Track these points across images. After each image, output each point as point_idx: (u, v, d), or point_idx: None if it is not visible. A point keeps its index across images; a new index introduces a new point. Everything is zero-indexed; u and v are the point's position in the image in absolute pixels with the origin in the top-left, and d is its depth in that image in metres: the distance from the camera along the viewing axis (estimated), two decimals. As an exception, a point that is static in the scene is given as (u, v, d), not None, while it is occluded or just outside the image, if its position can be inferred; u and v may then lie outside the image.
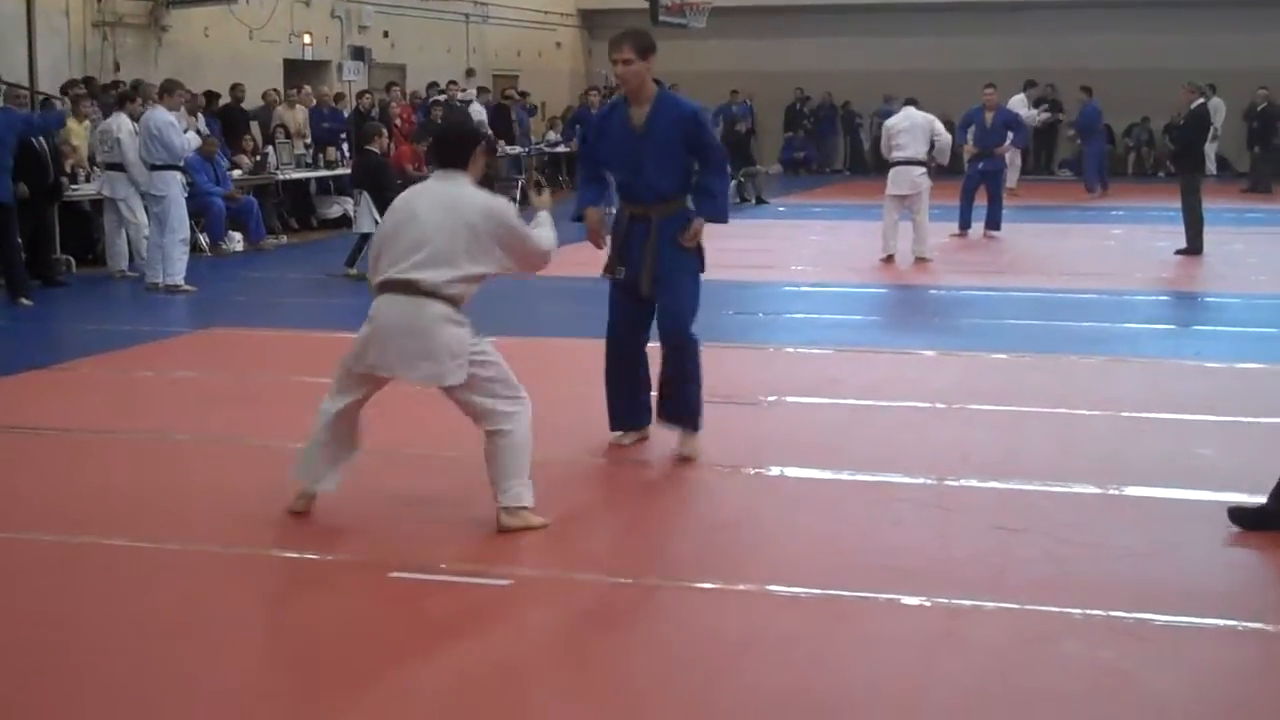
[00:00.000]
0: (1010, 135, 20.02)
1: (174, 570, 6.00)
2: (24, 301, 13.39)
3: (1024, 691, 4.77)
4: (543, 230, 6.62)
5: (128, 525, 6.54)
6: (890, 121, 16.91)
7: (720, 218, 7.62)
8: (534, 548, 6.21)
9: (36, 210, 14.66)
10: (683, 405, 7.67)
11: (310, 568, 6.04)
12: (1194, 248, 16.88)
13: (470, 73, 28.37)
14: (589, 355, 9.90)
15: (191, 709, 4.64)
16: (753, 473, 7.43)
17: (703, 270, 7.67)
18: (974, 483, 7.18)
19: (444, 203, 6.36)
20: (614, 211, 7.82)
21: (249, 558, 6.13)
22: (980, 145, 19.27)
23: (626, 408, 7.89)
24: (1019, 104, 24.74)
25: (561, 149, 26.88)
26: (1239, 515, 6.46)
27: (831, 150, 34.75)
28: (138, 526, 6.51)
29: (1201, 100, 17.93)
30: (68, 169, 15.92)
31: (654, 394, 7.82)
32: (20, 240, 14.00)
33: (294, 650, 5.22)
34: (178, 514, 6.71)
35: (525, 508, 6.40)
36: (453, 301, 6.28)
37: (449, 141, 6.61)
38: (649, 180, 7.47)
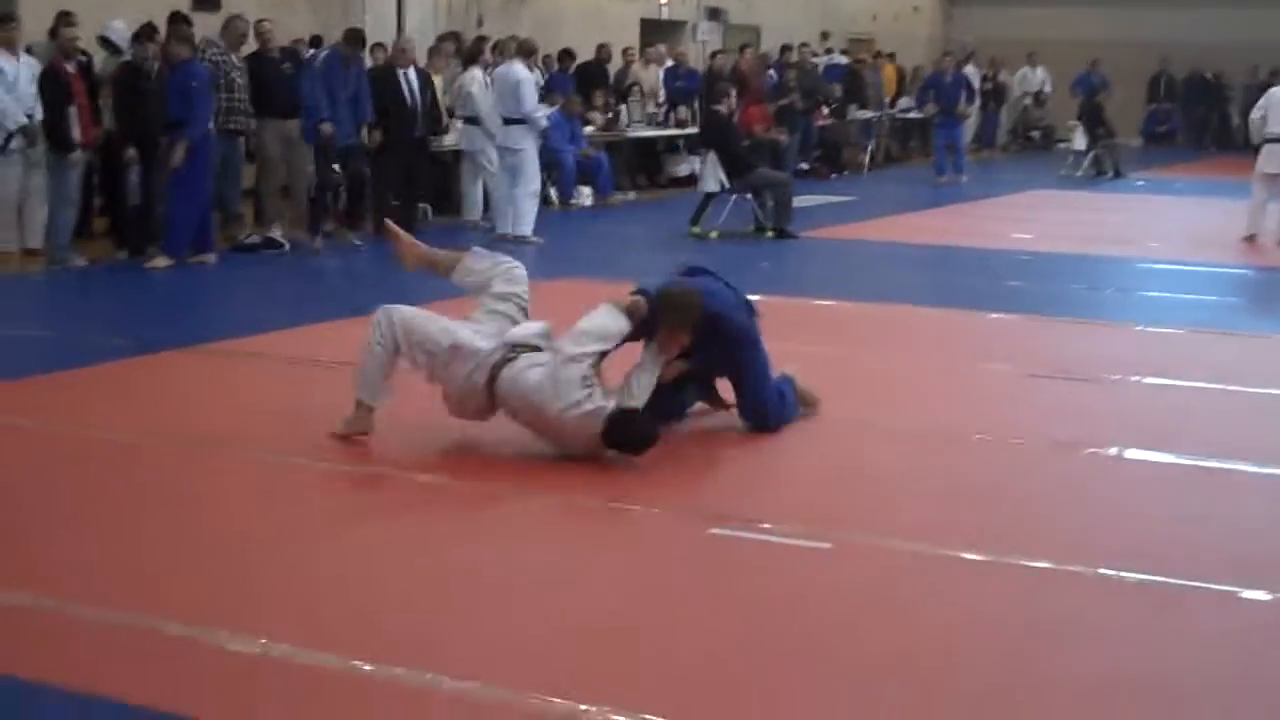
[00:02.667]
0: None
1: (508, 512, 6.16)
2: (354, 240, 14.16)
3: (1367, 698, 4.49)
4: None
5: (455, 468, 6.74)
6: (1273, 91, 15.95)
7: None
8: (855, 511, 6.15)
9: (404, 160, 15.12)
10: None
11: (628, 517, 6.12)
12: None
13: (825, 35, 28.20)
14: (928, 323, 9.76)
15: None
16: (1089, 451, 7.18)
17: None
18: (1328, 474, 6.81)
19: None
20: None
21: (571, 506, 6.24)
22: None
23: None
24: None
25: (914, 114, 26.48)
26: None
27: (1198, 124, 33.38)
28: (453, 465, 6.70)
29: None
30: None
31: None
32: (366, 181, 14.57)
33: (616, 600, 5.27)
34: (495, 458, 6.87)
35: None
36: None
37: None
38: None
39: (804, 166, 22.46)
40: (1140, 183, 23.57)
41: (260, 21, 14.93)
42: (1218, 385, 8.70)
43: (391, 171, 14.84)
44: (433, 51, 17.52)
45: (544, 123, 15.15)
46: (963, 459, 7.11)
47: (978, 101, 26.79)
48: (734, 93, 16.85)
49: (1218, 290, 12.91)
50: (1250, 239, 15.59)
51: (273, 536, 5.73)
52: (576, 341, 6.72)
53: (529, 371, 6.72)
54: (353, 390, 6.99)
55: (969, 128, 26.26)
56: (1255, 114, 15.85)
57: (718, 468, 6.97)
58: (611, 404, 6.64)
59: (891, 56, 28.39)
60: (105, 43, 13.92)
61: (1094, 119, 24.65)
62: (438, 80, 17.15)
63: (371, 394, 6.95)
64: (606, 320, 6.82)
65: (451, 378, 6.84)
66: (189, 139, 12.28)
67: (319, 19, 17.73)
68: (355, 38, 14.20)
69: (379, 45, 15.92)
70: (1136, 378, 8.85)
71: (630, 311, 6.89)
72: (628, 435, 6.63)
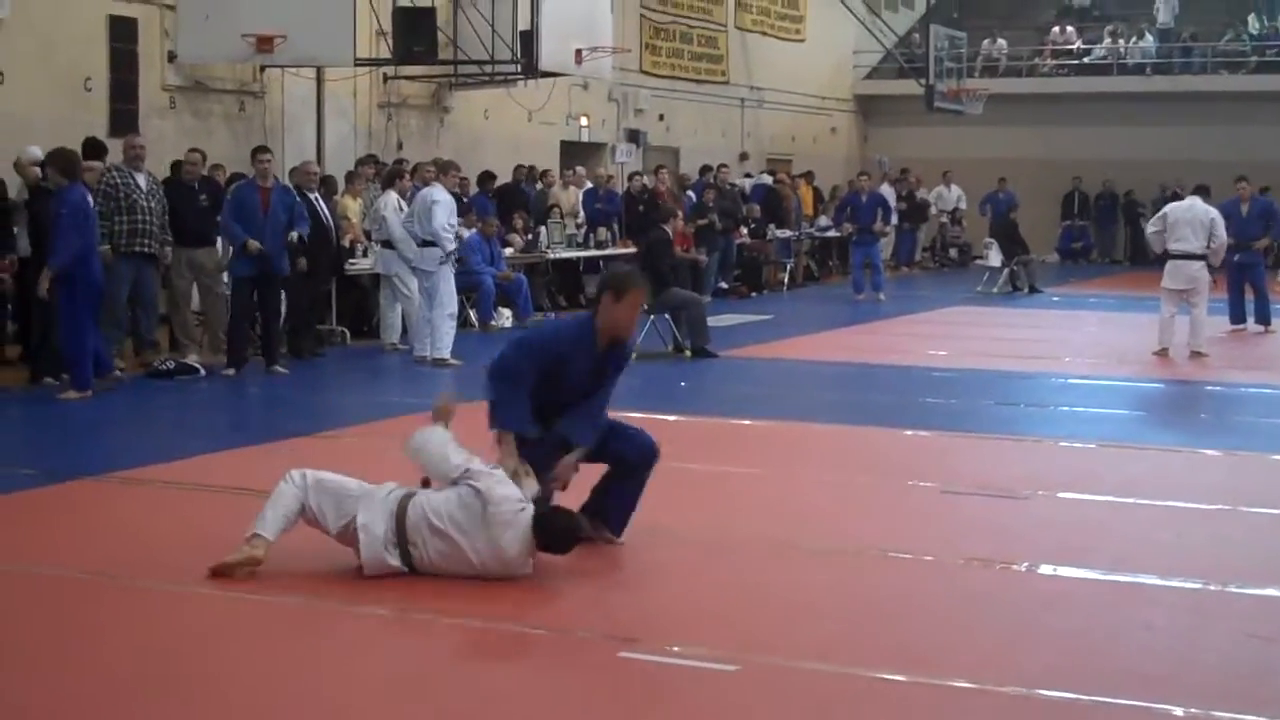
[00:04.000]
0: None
1: (408, 635, 6.08)
2: (279, 369, 13.83)
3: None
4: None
5: (364, 591, 6.66)
6: (1171, 208, 16.32)
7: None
8: (768, 632, 6.12)
9: (318, 282, 15.14)
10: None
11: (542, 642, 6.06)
12: None
13: (744, 156, 28.56)
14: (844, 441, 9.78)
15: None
16: (1002, 567, 7.21)
17: None
18: (1232, 588, 6.84)
19: None
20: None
21: (483, 629, 6.17)
22: (1237, 238, 17.82)
23: None
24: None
25: (832, 233, 26.80)
26: None
27: (1111, 240, 34.00)
28: (361, 588, 6.63)
29: None
30: (346, 243, 16.42)
31: None
32: (284, 310, 14.39)
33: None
34: (406, 581, 6.80)
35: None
36: None
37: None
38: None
39: (724, 286, 22.65)
40: (1055, 298, 23.90)
41: (191, 151, 15.04)
42: (1127, 499, 8.78)
43: (308, 292, 14.84)
44: (351, 175, 17.59)
45: (450, 244, 14.94)
46: (877, 576, 7.11)
47: (894, 220, 27.17)
48: (680, 214, 16.96)
49: (1129, 404, 13.08)
50: (1161, 353, 15.82)
51: (173, 669, 5.62)
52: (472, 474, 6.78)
53: (443, 493, 6.73)
54: (249, 525, 6.74)
55: (886, 246, 26.60)
56: (1151, 229, 16.23)
57: (630, 588, 6.93)
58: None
59: (809, 176, 28.77)
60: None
61: (1009, 236, 25.03)
62: (356, 204, 17.24)
63: (273, 529, 6.73)
64: (438, 456, 6.92)
65: (360, 528, 6.71)
66: (52, 268, 11.82)
67: (239, 144, 17.77)
68: (259, 150, 14.24)
69: (295, 170, 15.95)
70: (1048, 493, 8.92)
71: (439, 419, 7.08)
72: (559, 540, 6.72)
